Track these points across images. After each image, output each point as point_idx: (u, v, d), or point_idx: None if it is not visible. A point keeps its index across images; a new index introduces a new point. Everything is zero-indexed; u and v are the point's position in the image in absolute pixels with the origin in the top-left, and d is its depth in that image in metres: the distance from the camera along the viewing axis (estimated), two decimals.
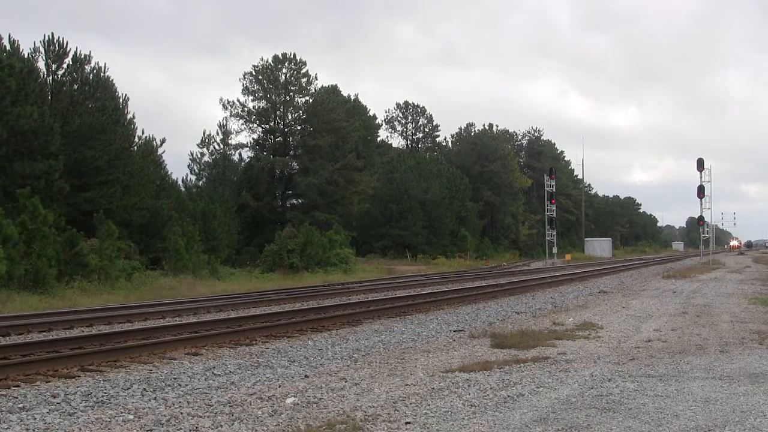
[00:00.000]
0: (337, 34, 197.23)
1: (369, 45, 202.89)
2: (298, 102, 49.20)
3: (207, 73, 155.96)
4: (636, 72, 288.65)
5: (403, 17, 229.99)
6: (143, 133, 33.77)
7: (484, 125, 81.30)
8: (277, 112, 49.41)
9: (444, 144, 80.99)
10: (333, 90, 60.61)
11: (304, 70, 48.94)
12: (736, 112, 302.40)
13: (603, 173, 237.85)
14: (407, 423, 6.02)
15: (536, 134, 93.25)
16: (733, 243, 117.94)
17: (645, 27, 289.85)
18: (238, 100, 48.74)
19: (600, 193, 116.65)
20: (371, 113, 69.15)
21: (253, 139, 49.75)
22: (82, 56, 29.92)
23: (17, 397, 6.98)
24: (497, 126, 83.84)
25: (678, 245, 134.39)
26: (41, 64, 29.14)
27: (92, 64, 30.31)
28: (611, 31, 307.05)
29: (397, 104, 79.56)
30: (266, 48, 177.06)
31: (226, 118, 50.91)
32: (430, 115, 79.51)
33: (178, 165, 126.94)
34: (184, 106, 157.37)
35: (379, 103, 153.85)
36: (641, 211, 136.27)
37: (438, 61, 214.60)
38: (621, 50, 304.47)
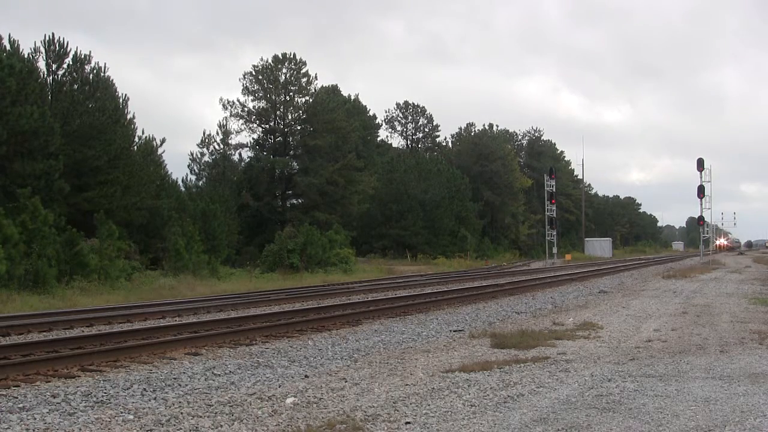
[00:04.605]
0: (324, 30, 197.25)
1: (357, 42, 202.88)
2: (298, 102, 49.23)
3: (192, 71, 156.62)
4: (630, 69, 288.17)
5: (390, 14, 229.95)
6: (143, 133, 33.87)
7: (484, 125, 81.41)
8: (277, 112, 49.43)
9: (444, 144, 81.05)
10: (333, 90, 60.62)
11: (304, 70, 49.01)
12: (733, 110, 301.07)
13: (600, 172, 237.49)
14: (407, 423, 6.02)
15: (536, 134, 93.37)
16: (721, 242, 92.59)
17: (637, 22, 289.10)
18: (238, 100, 48.84)
19: (599, 193, 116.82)
20: (371, 113, 69.22)
21: (253, 139, 49.84)
22: (82, 56, 29.97)
23: (17, 397, 6.98)
24: (497, 126, 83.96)
25: (678, 245, 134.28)
26: (41, 64, 29.21)
27: (92, 64, 30.40)
28: (603, 27, 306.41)
29: (397, 104, 79.59)
30: (253, 45, 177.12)
31: (226, 118, 50.99)
32: (430, 115, 79.58)
33: (177, 165, 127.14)
34: (170, 103, 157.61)
35: (371, 101, 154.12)
36: (641, 211, 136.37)
37: (428, 58, 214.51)
38: (614, 47, 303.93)
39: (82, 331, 12.23)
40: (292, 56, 48.78)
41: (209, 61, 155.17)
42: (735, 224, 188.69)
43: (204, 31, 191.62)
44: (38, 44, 29.20)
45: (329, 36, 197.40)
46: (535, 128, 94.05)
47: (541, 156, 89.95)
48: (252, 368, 8.74)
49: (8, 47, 27.51)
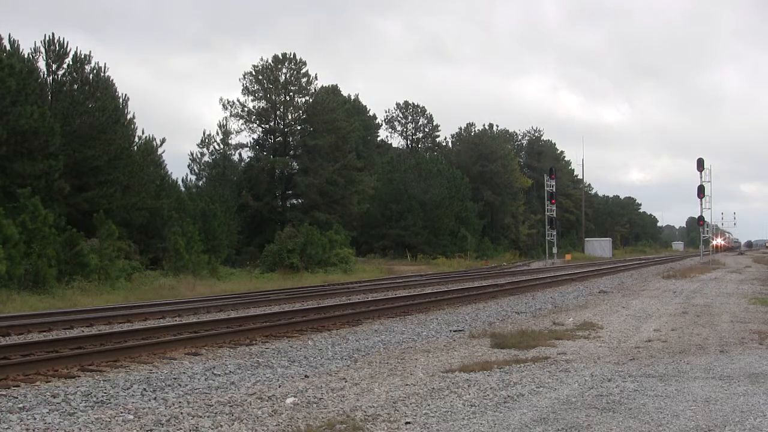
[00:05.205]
0: (323, 30, 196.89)
1: (357, 42, 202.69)
2: (298, 102, 49.26)
3: (191, 70, 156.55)
4: (629, 68, 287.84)
5: (389, 13, 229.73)
6: (143, 133, 33.87)
7: (483, 125, 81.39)
8: (277, 112, 49.45)
9: (444, 144, 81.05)
10: (333, 90, 60.60)
11: (303, 70, 49.05)
12: (733, 110, 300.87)
13: (600, 172, 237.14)
14: (407, 423, 6.02)
15: (536, 134, 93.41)
16: (718, 241, 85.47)
17: (636, 22, 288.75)
18: (238, 100, 48.88)
19: (599, 193, 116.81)
20: (371, 113, 69.21)
21: (253, 139, 49.88)
22: (82, 56, 29.99)
23: (17, 397, 6.98)
24: (497, 126, 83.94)
25: (678, 245, 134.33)
26: (41, 64, 29.22)
27: (92, 64, 30.41)
28: (602, 27, 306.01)
29: (397, 104, 79.54)
30: (252, 45, 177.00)
31: (226, 117, 50.97)
32: (430, 115, 79.50)
33: (177, 165, 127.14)
34: (169, 103, 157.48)
35: (371, 101, 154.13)
36: (641, 211, 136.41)
37: (428, 58, 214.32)
38: (613, 46, 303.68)
39: (82, 331, 12.22)
40: (292, 56, 48.84)
41: (208, 61, 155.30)
42: (735, 224, 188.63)
43: (202, 30, 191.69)
44: (38, 44, 29.30)
45: (328, 36, 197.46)
46: (534, 128, 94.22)
47: (541, 156, 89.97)
48: (252, 368, 8.74)
49: (8, 47, 27.55)
